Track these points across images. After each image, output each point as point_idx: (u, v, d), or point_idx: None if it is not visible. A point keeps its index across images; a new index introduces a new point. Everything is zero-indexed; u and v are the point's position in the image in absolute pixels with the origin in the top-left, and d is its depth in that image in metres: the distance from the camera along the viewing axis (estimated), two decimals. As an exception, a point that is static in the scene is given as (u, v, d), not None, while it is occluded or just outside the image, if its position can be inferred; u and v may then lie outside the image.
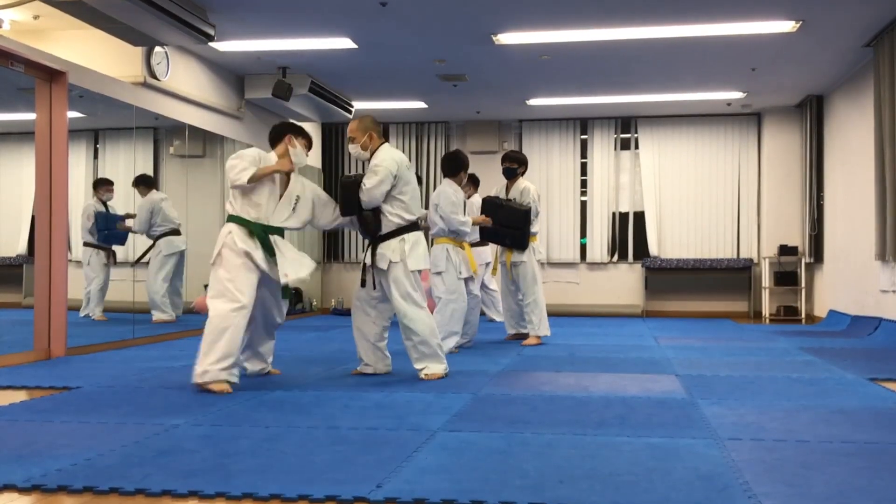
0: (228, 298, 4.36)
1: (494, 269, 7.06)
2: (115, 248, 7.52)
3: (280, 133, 4.78)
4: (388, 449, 2.99)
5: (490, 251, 7.90)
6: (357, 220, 4.83)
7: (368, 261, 4.82)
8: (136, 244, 7.69)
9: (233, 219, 4.52)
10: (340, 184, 4.83)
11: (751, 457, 2.88)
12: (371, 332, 4.92)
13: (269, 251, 4.50)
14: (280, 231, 4.64)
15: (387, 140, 5.02)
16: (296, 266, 4.57)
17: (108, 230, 7.36)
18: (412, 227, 4.84)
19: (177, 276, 7.79)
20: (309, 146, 4.86)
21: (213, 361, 4.27)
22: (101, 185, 7.34)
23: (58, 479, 2.59)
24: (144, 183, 7.60)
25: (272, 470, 2.70)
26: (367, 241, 4.89)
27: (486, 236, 6.91)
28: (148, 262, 7.68)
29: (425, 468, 2.72)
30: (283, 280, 4.50)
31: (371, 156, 4.83)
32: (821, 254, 9.70)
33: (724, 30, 6.86)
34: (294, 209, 4.68)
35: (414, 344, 4.77)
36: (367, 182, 4.68)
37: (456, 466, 2.75)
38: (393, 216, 4.77)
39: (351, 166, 11.34)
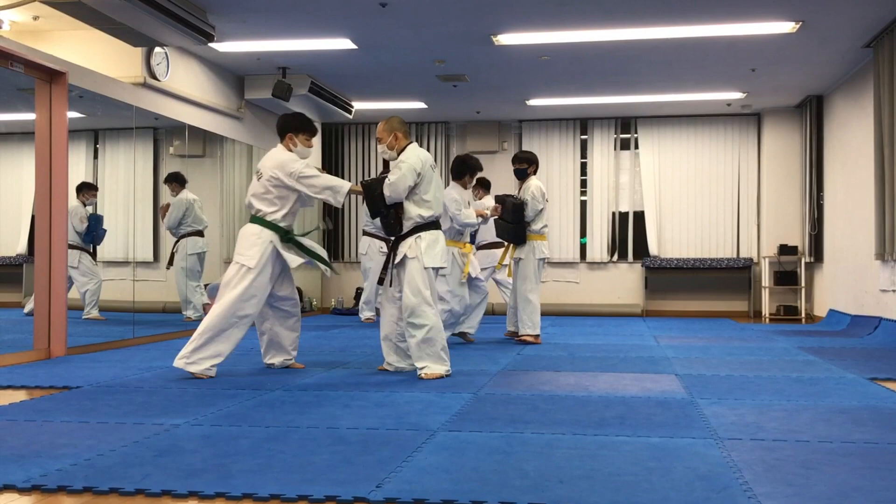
0: (248, 304, 4.78)
1: (500, 264, 7.16)
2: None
3: (282, 130, 5.06)
4: (388, 449, 2.99)
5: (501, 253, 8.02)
6: (380, 220, 5.01)
7: (391, 258, 4.97)
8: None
9: (270, 226, 4.89)
10: (363, 185, 4.98)
11: (751, 457, 2.88)
12: (393, 331, 5.02)
13: (300, 247, 5.01)
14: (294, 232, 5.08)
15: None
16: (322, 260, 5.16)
17: (94, 232, 7.38)
18: (431, 225, 4.92)
19: (199, 276, 7.96)
20: (312, 135, 5.10)
21: (208, 356, 4.71)
22: (87, 190, 7.30)
23: (58, 479, 2.59)
24: (178, 181, 7.69)
25: (272, 470, 2.70)
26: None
27: (498, 234, 7.08)
28: (170, 261, 7.76)
29: (425, 468, 2.72)
30: (327, 273, 5.23)
31: (398, 155, 4.97)
32: (821, 253, 9.70)
33: (724, 30, 6.86)
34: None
35: (417, 342, 4.80)
36: (391, 177, 4.85)
37: (456, 466, 2.75)
38: (413, 214, 4.88)
39: (351, 165, 11.34)
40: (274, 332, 5.15)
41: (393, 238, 4.99)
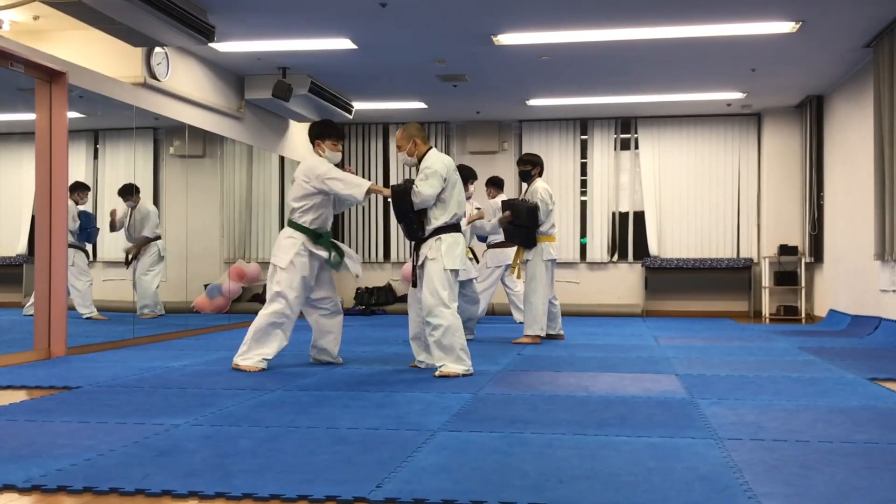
0: (283, 303, 5.12)
1: (513, 268, 7.22)
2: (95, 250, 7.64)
3: (311, 139, 5.36)
4: (388, 449, 2.99)
5: (512, 252, 8.09)
6: (402, 224, 5.12)
7: (417, 261, 5.09)
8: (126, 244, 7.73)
9: (301, 229, 5.19)
10: (392, 190, 5.09)
11: (751, 457, 2.88)
12: (421, 331, 5.12)
13: (336, 251, 5.27)
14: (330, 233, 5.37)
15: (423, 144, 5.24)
16: (354, 264, 5.41)
17: (88, 230, 7.39)
18: (451, 227, 5.02)
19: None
20: (338, 139, 5.35)
21: (256, 353, 5.09)
22: (80, 189, 7.30)
23: (58, 479, 2.59)
24: (138, 192, 7.64)
25: (272, 470, 2.70)
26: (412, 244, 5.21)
27: (508, 237, 7.17)
28: (128, 264, 7.73)
29: (425, 468, 2.72)
30: (356, 275, 5.43)
31: (419, 161, 5.08)
32: (821, 253, 9.70)
33: (724, 30, 6.86)
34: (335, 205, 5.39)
35: (434, 341, 4.89)
36: (420, 185, 4.95)
37: (456, 466, 2.75)
38: (435, 217, 4.98)
39: (351, 166, 11.32)
40: (319, 332, 5.45)
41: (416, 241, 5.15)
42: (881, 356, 6.03)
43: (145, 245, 7.76)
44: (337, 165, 5.34)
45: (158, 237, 7.85)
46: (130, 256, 7.73)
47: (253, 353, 5.12)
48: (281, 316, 5.14)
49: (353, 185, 5.12)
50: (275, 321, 5.13)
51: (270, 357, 5.17)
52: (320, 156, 5.30)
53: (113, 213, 7.58)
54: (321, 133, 5.32)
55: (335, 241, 5.36)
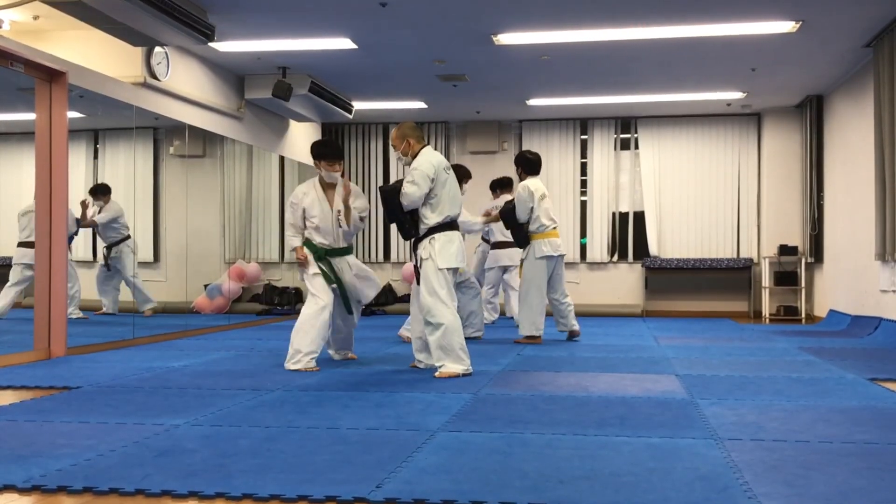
0: (312, 302, 5.27)
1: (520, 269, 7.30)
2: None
3: (314, 159, 5.46)
4: (388, 449, 2.99)
5: (508, 253, 8.20)
6: (397, 225, 5.13)
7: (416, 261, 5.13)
8: (135, 245, 7.69)
9: (305, 242, 5.42)
10: (380, 192, 5.14)
11: (751, 457, 2.88)
12: (420, 328, 5.13)
13: (332, 269, 5.34)
14: (345, 251, 5.43)
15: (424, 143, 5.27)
16: (361, 290, 5.49)
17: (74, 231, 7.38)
18: (445, 226, 5.03)
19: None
20: (332, 161, 5.38)
21: (304, 351, 5.19)
22: None
23: (58, 479, 2.59)
24: (104, 192, 7.59)
25: (272, 470, 2.70)
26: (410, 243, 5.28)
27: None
28: (107, 264, 7.71)
29: (425, 468, 2.72)
30: (365, 300, 5.56)
31: (412, 160, 5.09)
32: (821, 254, 9.70)
33: (724, 30, 6.86)
34: (338, 223, 5.37)
35: (434, 340, 4.89)
36: (406, 187, 4.97)
37: (456, 466, 2.75)
38: (428, 217, 5.00)
39: (351, 165, 11.34)
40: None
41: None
42: (881, 356, 6.03)
43: (118, 245, 7.70)
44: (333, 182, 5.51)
45: (128, 237, 7.78)
46: (106, 259, 7.68)
47: (296, 354, 5.30)
48: (312, 314, 5.34)
49: (287, 239, 5.52)
50: (307, 318, 5.33)
51: (312, 354, 5.30)
52: (319, 173, 5.43)
53: (84, 204, 7.45)
54: (317, 154, 5.43)
55: (336, 262, 5.40)
